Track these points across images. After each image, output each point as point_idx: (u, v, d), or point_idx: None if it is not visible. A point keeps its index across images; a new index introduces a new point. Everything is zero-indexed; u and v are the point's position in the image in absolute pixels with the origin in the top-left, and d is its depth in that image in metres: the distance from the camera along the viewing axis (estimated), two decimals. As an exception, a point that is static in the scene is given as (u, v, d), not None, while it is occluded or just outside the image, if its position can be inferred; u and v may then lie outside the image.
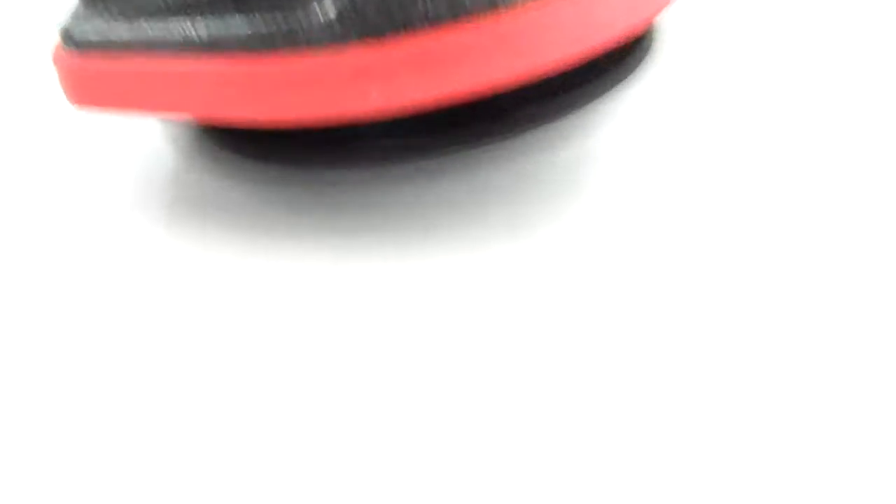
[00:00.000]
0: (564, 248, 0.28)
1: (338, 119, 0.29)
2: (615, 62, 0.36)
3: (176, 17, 0.30)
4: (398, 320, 0.27)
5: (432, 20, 0.28)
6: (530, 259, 0.28)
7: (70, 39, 0.32)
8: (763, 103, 0.33)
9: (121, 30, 0.31)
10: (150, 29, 0.31)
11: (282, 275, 0.29)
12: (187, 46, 0.30)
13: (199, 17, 0.30)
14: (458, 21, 0.28)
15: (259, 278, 0.29)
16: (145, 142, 0.37)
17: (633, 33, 0.31)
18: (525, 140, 0.34)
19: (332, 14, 0.28)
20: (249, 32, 0.29)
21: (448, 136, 0.34)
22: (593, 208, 0.30)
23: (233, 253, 0.31)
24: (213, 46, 0.30)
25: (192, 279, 0.30)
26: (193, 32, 0.30)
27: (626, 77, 0.36)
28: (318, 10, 0.28)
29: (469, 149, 0.34)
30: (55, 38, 0.34)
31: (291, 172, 0.34)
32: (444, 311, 0.27)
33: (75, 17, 0.33)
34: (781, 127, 0.31)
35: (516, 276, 0.28)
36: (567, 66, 0.30)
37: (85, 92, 0.33)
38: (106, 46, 0.32)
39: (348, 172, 0.34)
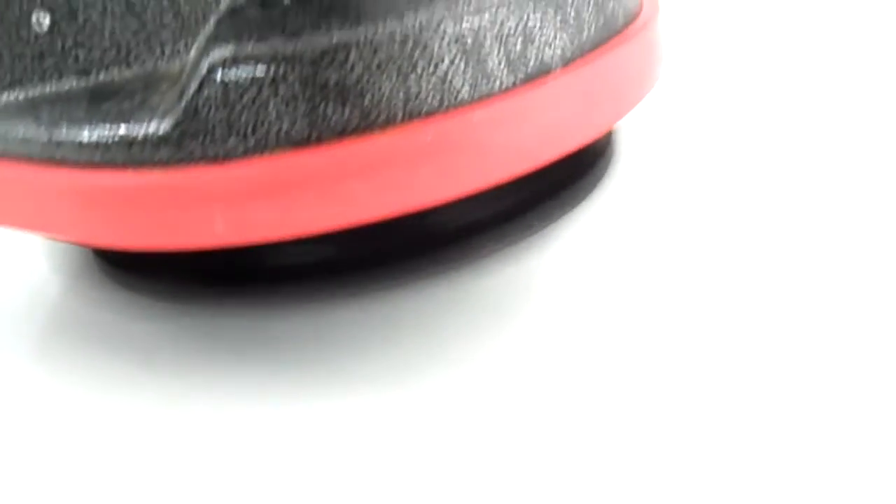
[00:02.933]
0: (464, 392, 0.23)
1: (182, 247, 0.24)
2: (569, 172, 0.30)
3: (24, 117, 0.26)
4: (288, 463, 0.22)
5: (292, 140, 0.23)
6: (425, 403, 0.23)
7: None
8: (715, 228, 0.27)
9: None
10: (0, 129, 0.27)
11: (165, 418, 0.24)
12: (28, 152, 0.26)
13: (45, 116, 0.26)
14: (321, 143, 0.23)
15: (139, 422, 0.24)
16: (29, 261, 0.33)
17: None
18: (458, 268, 0.28)
19: (168, 125, 0.23)
20: (89, 138, 0.24)
21: (364, 265, 0.29)
22: (515, 344, 0.24)
23: (113, 393, 0.26)
24: (51, 152, 0.25)
25: (66, 423, 0.25)
26: (34, 134, 0.26)
27: (579, 197, 0.30)
28: (154, 118, 0.23)
29: (392, 278, 0.28)
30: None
31: (195, 306, 0.29)
32: (346, 455, 0.22)
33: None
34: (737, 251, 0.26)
35: (412, 421, 0.22)
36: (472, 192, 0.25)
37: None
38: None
39: (250, 299, 0.29)
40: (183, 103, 0.23)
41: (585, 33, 0.26)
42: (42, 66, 0.27)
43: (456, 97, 0.23)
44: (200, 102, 0.23)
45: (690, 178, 0.30)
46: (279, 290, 0.28)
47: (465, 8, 0.23)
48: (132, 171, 0.24)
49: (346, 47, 0.22)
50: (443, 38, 0.23)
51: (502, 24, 0.24)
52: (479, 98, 0.24)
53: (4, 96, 0.28)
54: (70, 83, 0.27)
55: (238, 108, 0.22)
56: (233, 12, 0.25)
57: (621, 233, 0.28)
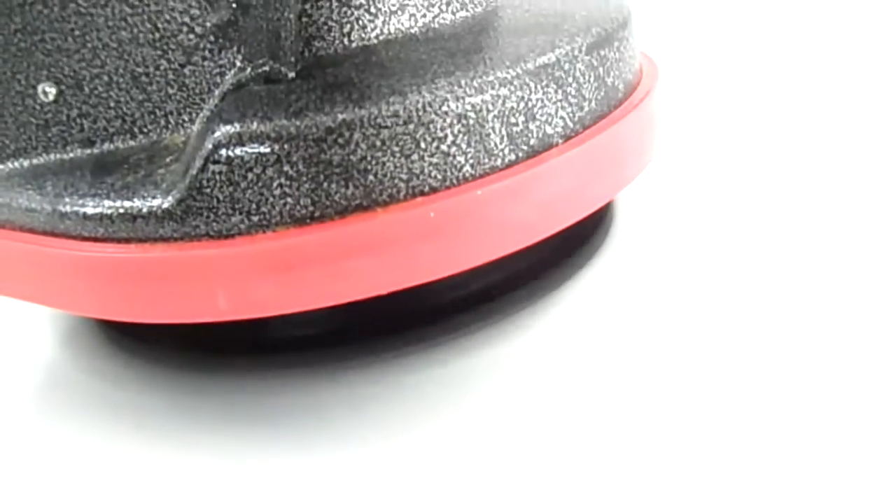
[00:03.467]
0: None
1: (184, 321, 0.24)
2: (568, 241, 0.30)
3: (27, 186, 0.26)
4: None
5: (295, 218, 0.23)
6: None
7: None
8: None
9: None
10: (3, 198, 0.27)
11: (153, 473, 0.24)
12: (31, 222, 0.26)
13: (49, 186, 0.26)
14: (324, 221, 0.23)
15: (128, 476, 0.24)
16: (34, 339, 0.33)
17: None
18: (447, 341, 0.28)
19: (172, 201, 0.23)
20: (92, 211, 0.24)
21: (365, 338, 0.28)
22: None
23: (102, 453, 0.25)
24: (54, 223, 0.25)
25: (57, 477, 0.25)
26: (38, 205, 0.26)
27: (578, 265, 0.30)
28: (159, 193, 0.23)
29: (383, 349, 0.28)
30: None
31: (192, 373, 0.29)
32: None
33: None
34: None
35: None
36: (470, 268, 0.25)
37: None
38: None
39: (246, 366, 0.28)
40: (187, 180, 0.23)
41: (587, 107, 0.26)
42: (47, 136, 0.27)
43: (458, 174, 0.23)
44: (205, 180, 0.23)
45: (687, 246, 0.30)
46: (276, 358, 0.28)
47: (468, 87, 0.23)
48: (135, 246, 0.24)
49: (350, 126, 0.22)
50: (445, 117, 0.23)
51: (504, 102, 0.24)
52: (482, 174, 0.24)
53: (9, 164, 0.28)
54: (74, 152, 0.27)
55: (242, 185, 0.23)
56: (238, 87, 0.25)
57: (619, 303, 0.28)
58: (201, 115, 0.25)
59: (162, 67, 0.26)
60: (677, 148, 0.35)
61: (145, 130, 0.27)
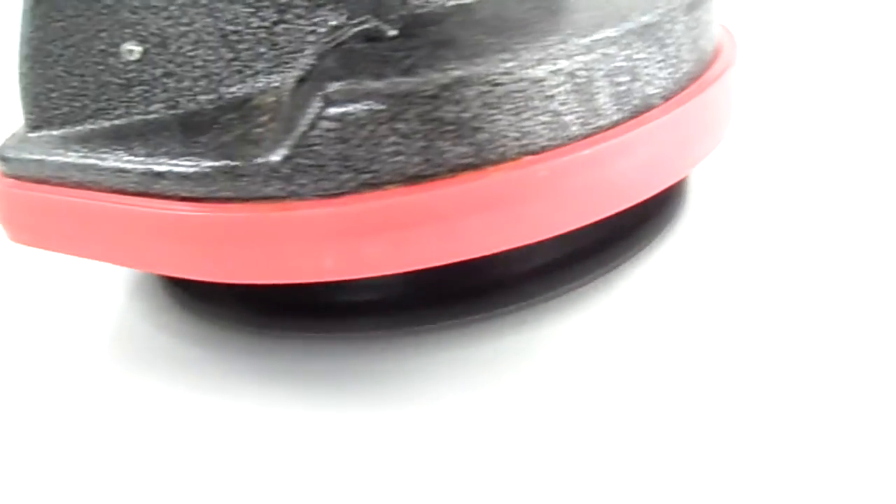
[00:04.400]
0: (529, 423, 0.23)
1: (287, 281, 0.24)
2: (639, 219, 0.30)
3: (115, 147, 0.26)
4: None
5: (405, 176, 0.23)
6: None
7: (10, 164, 0.28)
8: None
9: (62, 159, 0.27)
10: (89, 159, 0.26)
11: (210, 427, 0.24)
12: (122, 183, 0.25)
13: (138, 147, 0.26)
14: (434, 179, 0.23)
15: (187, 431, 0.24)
16: (106, 290, 0.32)
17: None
18: (533, 309, 0.27)
19: (278, 160, 0.23)
20: (190, 171, 0.24)
21: (446, 307, 0.28)
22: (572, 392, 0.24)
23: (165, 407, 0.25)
24: (148, 184, 0.25)
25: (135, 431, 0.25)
26: (129, 165, 0.25)
27: (649, 240, 0.30)
28: (262, 152, 0.23)
29: (468, 319, 0.27)
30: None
31: (269, 336, 0.28)
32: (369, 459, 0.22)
33: (18, 140, 0.28)
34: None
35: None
36: (561, 232, 0.24)
37: (22, 228, 0.28)
38: (45, 178, 0.27)
39: (329, 336, 0.28)
40: (295, 137, 0.23)
41: (684, 68, 0.26)
42: (128, 96, 0.27)
43: (566, 133, 0.23)
44: (315, 137, 0.22)
45: (757, 230, 0.30)
46: (335, 321, 0.28)
47: (577, 46, 0.23)
48: (239, 205, 0.23)
49: (465, 83, 0.22)
50: (557, 76, 0.23)
51: (611, 61, 0.24)
52: (588, 134, 0.24)
53: (88, 125, 0.27)
54: (158, 113, 0.27)
55: (353, 143, 0.22)
56: (341, 47, 0.24)
57: (683, 285, 0.28)
58: (296, 72, 0.25)
59: (253, 25, 0.25)
60: (747, 123, 0.35)
61: (232, 90, 0.26)
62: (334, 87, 0.22)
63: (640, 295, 0.27)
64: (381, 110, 0.22)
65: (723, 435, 0.22)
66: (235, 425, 0.25)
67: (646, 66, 0.24)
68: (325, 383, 0.26)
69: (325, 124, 0.22)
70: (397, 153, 0.22)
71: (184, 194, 0.24)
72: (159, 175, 0.24)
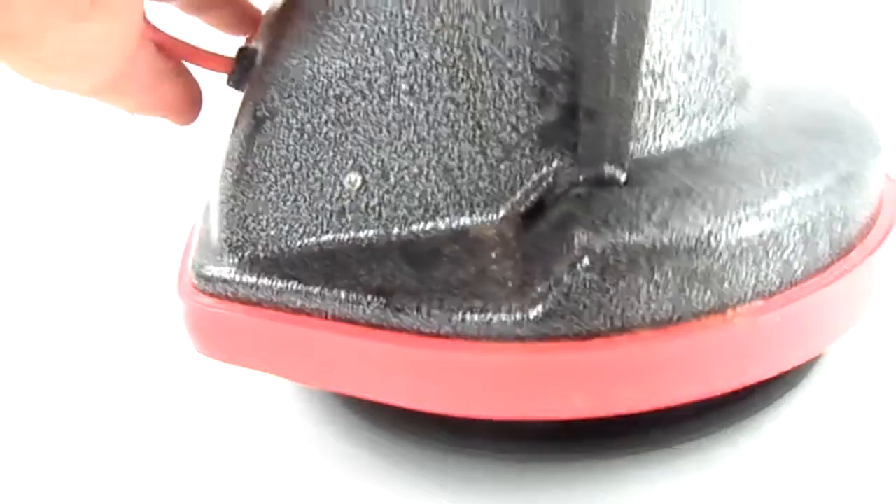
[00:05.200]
0: None
1: (534, 418, 0.25)
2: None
3: (339, 286, 0.27)
4: None
5: (654, 321, 0.24)
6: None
7: (208, 282, 0.28)
8: None
9: (269, 282, 0.27)
10: (309, 294, 0.27)
11: None
12: (350, 313, 0.26)
13: (364, 276, 0.26)
14: (680, 323, 0.24)
15: None
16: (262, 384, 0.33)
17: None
18: (675, 452, 0.28)
19: (533, 305, 0.24)
20: (437, 311, 0.25)
21: (592, 443, 0.28)
22: None
23: None
24: (383, 317, 0.26)
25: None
26: (359, 296, 0.26)
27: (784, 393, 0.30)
28: (513, 295, 0.24)
29: (616, 456, 0.28)
30: (188, 273, 0.30)
31: (422, 448, 0.29)
32: None
33: (215, 258, 0.29)
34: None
35: None
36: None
37: (218, 344, 0.29)
38: (247, 298, 0.28)
39: (479, 456, 0.29)
40: (550, 285, 0.24)
41: (871, 210, 0.28)
42: (340, 222, 0.28)
43: (792, 277, 0.25)
44: (573, 286, 0.24)
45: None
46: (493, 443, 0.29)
47: (805, 197, 0.25)
48: (487, 345, 0.24)
49: (717, 237, 0.24)
50: (791, 226, 0.25)
51: (832, 210, 0.25)
52: (808, 276, 0.25)
53: (297, 248, 0.28)
54: (368, 238, 0.28)
55: (611, 292, 0.24)
56: (569, 188, 0.26)
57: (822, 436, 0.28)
58: (517, 208, 0.26)
59: (477, 162, 0.26)
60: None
61: (447, 219, 0.27)
62: (594, 237, 0.24)
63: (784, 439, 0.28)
64: (641, 263, 0.23)
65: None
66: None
67: (853, 210, 0.26)
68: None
69: (587, 275, 0.24)
70: (650, 300, 0.24)
71: (426, 330, 0.25)
72: (399, 310, 0.25)
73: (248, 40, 0.32)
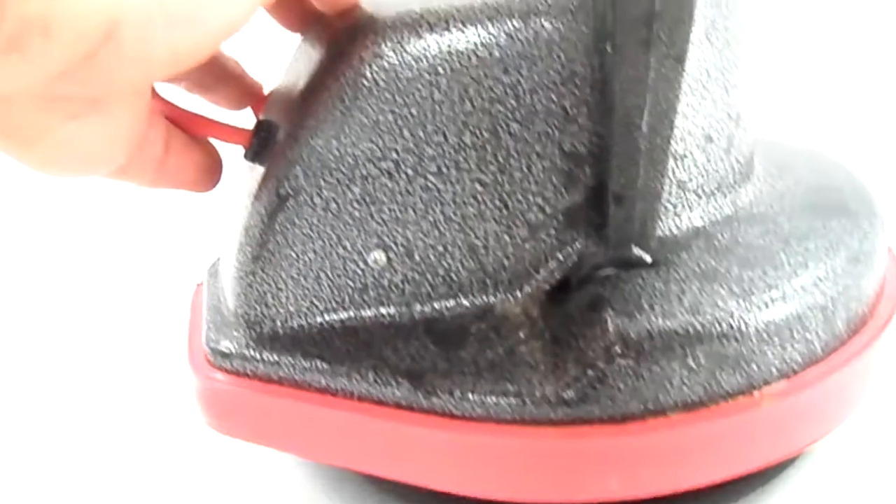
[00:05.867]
0: None
1: (571, 501, 0.25)
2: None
3: (366, 366, 0.26)
4: None
5: (686, 403, 0.24)
6: None
7: (224, 358, 0.28)
8: None
9: (291, 360, 0.27)
10: (335, 373, 0.27)
11: None
12: (379, 394, 0.26)
13: (390, 355, 0.26)
14: (709, 405, 0.25)
15: None
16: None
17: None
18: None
19: (568, 388, 0.24)
20: (470, 395, 0.25)
21: None
22: None
23: None
24: (414, 399, 0.26)
25: None
26: (391, 390, 0.26)
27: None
28: (547, 378, 0.24)
29: None
30: (200, 344, 0.29)
31: None
32: None
33: (231, 332, 0.28)
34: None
35: None
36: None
37: (235, 422, 0.28)
38: (268, 376, 0.28)
39: None
40: (585, 370, 0.24)
41: (881, 282, 0.29)
42: (362, 298, 0.27)
43: (813, 356, 0.26)
44: (610, 371, 0.24)
45: None
46: None
47: (826, 278, 0.26)
48: (522, 429, 0.25)
49: (746, 322, 0.24)
50: (813, 307, 0.25)
51: (849, 290, 0.26)
52: (828, 354, 0.26)
53: (317, 325, 0.28)
54: (390, 315, 0.27)
55: (646, 377, 0.24)
56: (595, 269, 0.26)
57: None
58: (541, 285, 0.26)
59: (502, 241, 0.27)
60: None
61: (470, 296, 0.27)
62: (622, 321, 0.24)
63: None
64: (675, 348, 0.24)
65: None
66: None
67: (865, 287, 0.27)
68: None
69: (620, 361, 0.24)
70: (682, 384, 0.24)
71: (458, 413, 0.25)
72: (430, 393, 0.25)
73: (256, 112, 0.32)
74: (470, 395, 0.25)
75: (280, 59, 0.32)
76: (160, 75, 0.21)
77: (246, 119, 0.32)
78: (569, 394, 0.24)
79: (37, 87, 0.19)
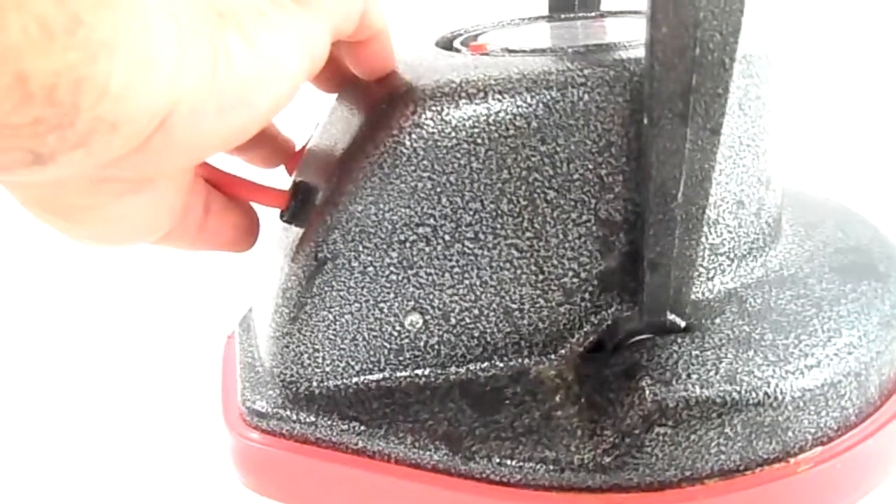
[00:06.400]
0: None
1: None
2: None
3: (403, 430, 0.27)
4: None
5: (723, 470, 0.25)
6: None
7: (261, 418, 0.28)
8: None
9: (336, 427, 0.28)
10: (372, 436, 0.27)
11: None
12: (417, 458, 0.26)
13: (425, 416, 0.27)
14: (745, 472, 0.25)
15: None
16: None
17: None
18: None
19: (606, 456, 0.24)
20: (510, 462, 0.25)
21: None
22: None
23: None
24: (453, 464, 0.26)
25: None
26: (429, 455, 0.26)
27: None
28: (578, 444, 0.25)
29: None
30: (235, 403, 0.30)
31: None
32: None
33: (267, 392, 0.29)
34: None
35: None
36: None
37: (270, 481, 0.29)
38: (309, 440, 0.28)
39: None
40: (623, 438, 0.24)
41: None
42: (398, 359, 0.28)
43: (847, 422, 0.26)
44: (648, 439, 0.24)
45: None
46: None
47: (859, 345, 0.26)
48: (560, 496, 0.25)
49: (783, 392, 0.24)
50: (847, 374, 0.26)
51: (880, 356, 0.27)
52: (861, 420, 0.26)
53: (355, 380, 0.28)
54: (426, 373, 0.28)
55: (683, 445, 0.24)
56: (630, 335, 0.27)
57: None
58: (575, 348, 0.27)
59: (538, 305, 0.27)
60: None
61: (505, 359, 0.28)
62: (659, 388, 0.24)
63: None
64: (712, 417, 0.24)
65: None
66: None
67: (894, 350, 0.27)
68: None
69: (661, 429, 0.24)
70: (720, 452, 0.24)
71: (496, 478, 0.25)
72: (468, 458, 0.26)
73: (289, 170, 0.32)
74: (508, 461, 0.25)
75: (310, 115, 0.32)
76: (208, 156, 0.22)
77: (279, 177, 0.32)
78: (606, 461, 0.24)
79: (89, 172, 0.20)
